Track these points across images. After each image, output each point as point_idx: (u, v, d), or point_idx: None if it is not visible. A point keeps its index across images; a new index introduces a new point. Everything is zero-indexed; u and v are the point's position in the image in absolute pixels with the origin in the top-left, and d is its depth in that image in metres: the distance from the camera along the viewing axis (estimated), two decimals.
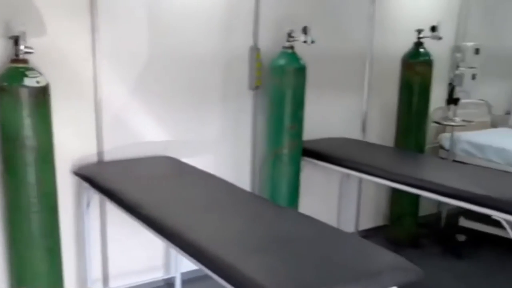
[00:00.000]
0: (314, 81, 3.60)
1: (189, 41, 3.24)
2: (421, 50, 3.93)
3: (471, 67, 3.99)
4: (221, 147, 3.53)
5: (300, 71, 3.22)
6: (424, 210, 4.47)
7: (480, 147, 4.17)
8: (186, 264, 2.40)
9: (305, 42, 3.15)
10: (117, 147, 3.08)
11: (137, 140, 3.16)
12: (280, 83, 3.22)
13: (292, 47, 3.24)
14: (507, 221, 2.44)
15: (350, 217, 4.35)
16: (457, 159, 4.30)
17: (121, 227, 3.09)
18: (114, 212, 2.80)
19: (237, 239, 2.00)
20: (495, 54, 4.93)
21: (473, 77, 3.98)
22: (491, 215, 2.50)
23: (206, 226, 2.12)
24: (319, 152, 3.57)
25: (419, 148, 4.08)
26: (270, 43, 3.48)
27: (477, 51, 3.98)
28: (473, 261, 3.98)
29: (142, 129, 3.18)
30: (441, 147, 4.45)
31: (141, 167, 2.97)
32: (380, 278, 1.71)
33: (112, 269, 3.21)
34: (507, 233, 2.49)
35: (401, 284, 1.75)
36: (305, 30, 3.13)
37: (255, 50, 3.43)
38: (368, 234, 4.39)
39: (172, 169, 2.98)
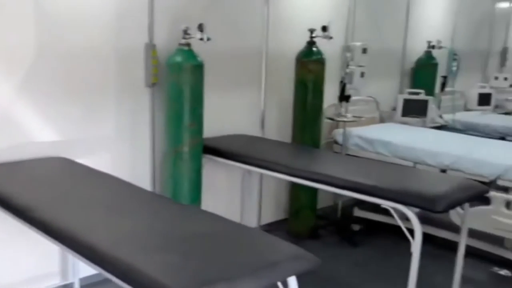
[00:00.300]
0: (213, 79, 3.61)
1: (80, 37, 3.11)
2: (314, 49, 4.09)
3: (360, 66, 4.22)
4: (119, 146, 3.43)
5: (198, 68, 3.22)
6: (322, 203, 4.67)
7: (369, 141, 4.44)
8: (85, 269, 2.30)
9: (201, 39, 3.15)
10: (2, 149, 2.88)
11: (26, 141, 2.98)
12: (178, 80, 3.19)
13: (188, 44, 3.22)
14: (394, 209, 2.61)
15: (253, 212, 4.43)
16: (350, 153, 4.54)
17: (8, 233, 2.89)
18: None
19: (136, 239, 1.96)
20: (381, 54, 5.28)
21: (362, 75, 4.22)
22: (380, 204, 2.67)
23: (103, 228, 2.04)
24: (220, 149, 3.59)
25: (315, 143, 4.25)
26: (166, 40, 3.44)
27: (364, 50, 4.23)
28: (367, 248, 4.23)
29: (31, 129, 3.00)
30: (335, 142, 4.67)
31: (30, 169, 2.80)
32: (278, 268, 1.75)
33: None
34: (396, 220, 2.67)
35: (299, 273, 1.81)
36: (200, 28, 3.13)
37: (150, 46, 3.36)
38: (270, 228, 4.50)
39: (64, 170, 2.84)
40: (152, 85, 3.44)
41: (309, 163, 3.35)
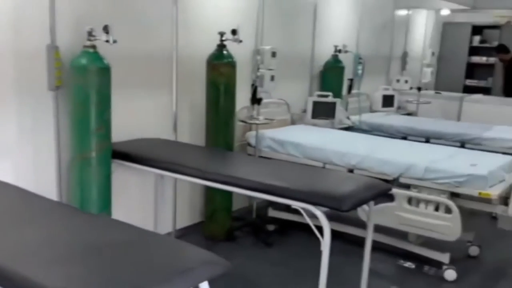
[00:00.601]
0: (122, 82, 3.52)
1: None
2: (225, 52, 4.10)
3: (270, 69, 4.30)
4: (20, 153, 3.23)
5: (104, 71, 3.11)
6: (237, 204, 4.70)
7: (281, 143, 4.53)
8: None
9: (107, 41, 3.05)
10: None
11: None
12: (83, 84, 3.06)
13: (94, 46, 3.10)
14: (304, 209, 2.68)
15: (168, 217, 4.37)
16: (263, 155, 4.61)
17: None
18: None
19: (37, 252, 1.85)
20: (291, 58, 5.42)
21: (272, 78, 4.30)
22: (291, 205, 2.73)
23: None
24: (131, 154, 3.49)
25: (228, 146, 4.27)
26: (71, 42, 3.29)
27: (273, 54, 4.31)
28: (282, 248, 4.31)
29: None
30: (249, 144, 4.72)
31: None
32: (190, 275, 1.74)
33: None
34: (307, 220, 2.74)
35: (211, 278, 1.80)
36: (106, 29, 3.03)
37: (53, 48, 3.20)
38: (186, 232, 4.46)
39: None
40: (56, 88, 3.27)
41: (222, 166, 3.35)
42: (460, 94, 7.74)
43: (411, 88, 7.55)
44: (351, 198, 2.58)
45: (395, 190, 3.85)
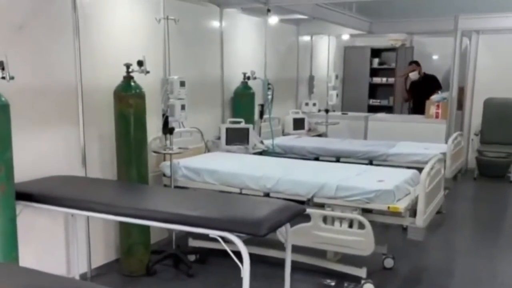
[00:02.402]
0: (24, 118, 3.36)
1: None
2: (132, 83, 4.04)
3: (180, 98, 4.28)
4: None
5: (2, 108, 2.93)
6: (156, 236, 4.58)
7: (196, 171, 4.50)
8: None
9: (3, 78, 2.89)
10: None
11: None
12: None
13: None
14: (222, 237, 2.67)
15: (82, 257, 4.15)
16: (179, 184, 4.55)
17: None
18: None
19: None
20: (201, 86, 5.45)
21: (183, 107, 4.28)
22: (209, 234, 2.70)
23: None
24: (37, 194, 3.31)
25: (142, 178, 4.17)
26: None
27: (182, 83, 4.31)
28: (203, 278, 4.23)
29: None
30: (164, 174, 4.64)
31: None
32: None
33: None
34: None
35: None
36: (1, 65, 2.87)
37: None
38: (102, 271, 4.27)
39: None
40: None
41: (134, 199, 3.26)
42: (365, 114, 8.18)
43: (319, 110, 7.86)
44: (266, 222, 2.60)
45: (310, 210, 3.95)
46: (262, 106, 6.32)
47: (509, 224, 5.84)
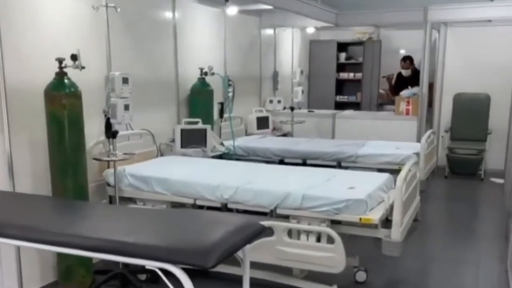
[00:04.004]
0: None
1: None
2: (66, 81, 3.48)
3: (123, 97, 3.74)
4: None
5: None
6: None
7: (144, 180, 3.97)
8: None
9: None
10: None
11: None
12: None
13: None
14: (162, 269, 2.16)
15: (13, 283, 3.58)
16: (124, 195, 4.02)
17: None
18: None
19: None
20: (152, 83, 4.91)
21: (126, 107, 3.74)
22: (144, 266, 2.19)
23: None
24: None
25: (80, 190, 3.63)
26: None
27: (125, 80, 3.76)
28: None
29: None
30: (108, 184, 4.09)
31: None
32: None
33: None
34: None
35: None
36: None
37: None
38: None
39: None
40: None
41: (61, 222, 2.67)
42: (332, 111, 7.75)
43: (284, 108, 7.41)
44: (217, 249, 2.11)
45: (273, 223, 3.49)
46: (222, 104, 5.82)
47: (486, 225, 5.52)
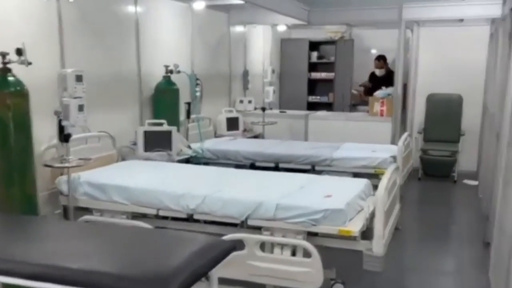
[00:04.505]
0: None
1: None
2: (10, 78, 3.09)
3: (77, 97, 3.37)
4: None
5: None
6: None
7: (101, 188, 3.59)
8: None
9: None
10: None
11: None
12: None
13: None
14: None
15: None
16: (80, 204, 3.64)
17: None
18: None
19: None
20: (112, 82, 4.54)
21: (81, 108, 3.37)
22: None
23: None
24: None
25: (28, 200, 3.25)
26: None
27: (79, 78, 3.38)
28: None
29: None
30: (61, 193, 3.70)
31: None
32: None
33: None
34: None
35: None
36: None
37: None
38: None
39: None
40: None
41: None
42: (304, 112, 7.48)
43: (255, 108, 7.11)
44: (178, 277, 1.79)
45: (244, 235, 3.18)
46: (189, 104, 5.48)
47: (463, 231, 5.34)
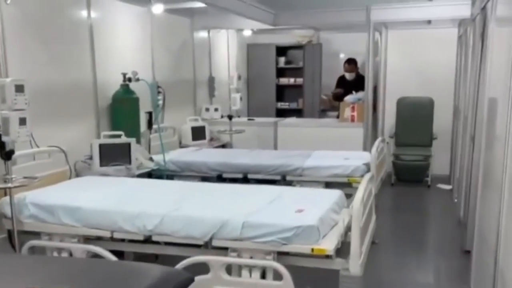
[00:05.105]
0: None
1: None
2: None
3: (18, 109, 3.02)
4: None
5: None
6: None
7: (49, 209, 3.23)
8: None
9: None
10: None
11: None
12: None
13: None
14: None
15: None
16: (25, 228, 3.27)
17: None
18: None
19: None
20: (61, 91, 4.18)
21: (22, 121, 3.02)
22: None
23: None
24: None
25: None
26: None
27: (19, 88, 3.04)
28: None
29: None
30: (5, 215, 3.32)
31: None
32: None
33: None
34: None
35: None
36: None
37: None
38: None
39: None
40: None
41: None
42: (273, 119, 7.22)
43: (222, 116, 6.82)
44: None
45: (208, 258, 2.88)
46: (150, 114, 5.14)
47: (440, 238, 5.15)
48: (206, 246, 2.98)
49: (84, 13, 4.50)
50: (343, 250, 2.91)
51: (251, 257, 2.88)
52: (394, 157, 7.20)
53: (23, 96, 3.03)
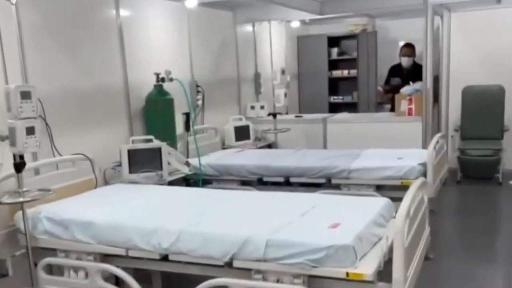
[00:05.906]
0: None
1: None
2: None
3: (24, 118, 2.78)
4: None
5: None
6: None
7: (64, 224, 2.97)
8: None
9: None
10: None
11: None
12: None
13: None
14: None
15: None
16: (40, 245, 3.06)
17: None
18: None
19: None
20: (92, 95, 3.98)
21: (30, 131, 2.77)
22: None
23: None
24: None
25: None
26: None
27: (25, 94, 2.76)
28: None
29: None
30: (20, 231, 3.13)
31: None
32: None
33: None
34: None
35: None
36: None
37: None
38: None
39: None
40: None
41: None
42: (322, 115, 6.73)
43: (269, 114, 6.44)
44: None
45: (229, 281, 2.53)
46: (187, 115, 4.86)
47: None
48: (229, 265, 2.64)
49: (112, 12, 4.27)
50: (386, 271, 2.46)
51: (277, 280, 2.50)
52: (460, 152, 6.53)
53: (30, 103, 2.81)
